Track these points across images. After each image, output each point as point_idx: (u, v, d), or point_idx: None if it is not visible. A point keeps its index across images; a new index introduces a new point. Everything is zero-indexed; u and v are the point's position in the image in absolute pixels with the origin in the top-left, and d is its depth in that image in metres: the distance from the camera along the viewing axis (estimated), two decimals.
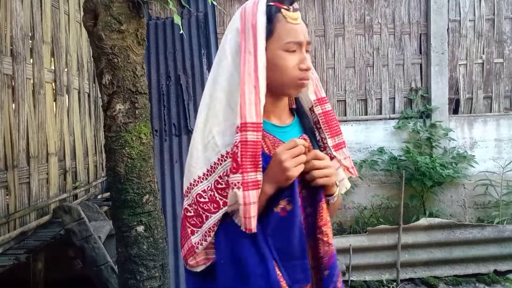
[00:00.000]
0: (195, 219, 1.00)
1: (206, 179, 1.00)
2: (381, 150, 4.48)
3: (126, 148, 1.75)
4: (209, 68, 3.73)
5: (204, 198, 0.99)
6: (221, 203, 0.97)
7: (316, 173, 0.99)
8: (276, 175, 0.95)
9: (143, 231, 1.80)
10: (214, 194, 0.98)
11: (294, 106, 1.14)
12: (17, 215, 2.34)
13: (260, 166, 0.95)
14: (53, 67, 2.92)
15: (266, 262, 0.93)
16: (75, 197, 3.18)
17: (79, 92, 3.40)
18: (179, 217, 3.20)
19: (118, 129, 1.75)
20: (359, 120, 4.59)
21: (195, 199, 1.00)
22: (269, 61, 0.98)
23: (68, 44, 3.21)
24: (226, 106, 0.98)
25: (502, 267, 3.57)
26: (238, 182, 0.92)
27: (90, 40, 1.77)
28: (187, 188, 1.03)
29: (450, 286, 3.45)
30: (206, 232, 0.98)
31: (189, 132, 3.49)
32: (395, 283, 3.47)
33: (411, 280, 3.55)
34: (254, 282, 0.92)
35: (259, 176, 0.95)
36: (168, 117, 3.55)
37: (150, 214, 1.82)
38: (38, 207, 2.59)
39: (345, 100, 4.65)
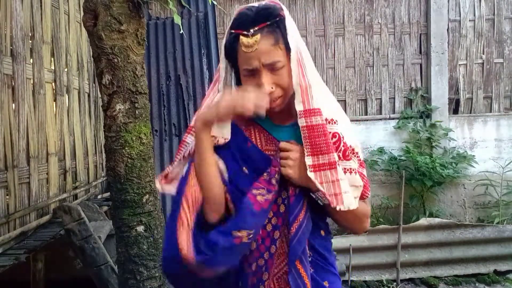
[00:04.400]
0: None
1: None
2: (381, 150, 4.47)
3: (126, 148, 1.75)
4: (209, 68, 3.74)
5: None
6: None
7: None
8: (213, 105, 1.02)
9: (143, 231, 1.80)
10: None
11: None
12: (17, 215, 2.34)
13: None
14: (53, 67, 2.92)
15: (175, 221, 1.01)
16: (75, 197, 3.18)
17: (79, 92, 3.40)
18: None
19: (118, 129, 1.75)
20: (359, 120, 4.58)
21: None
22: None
23: (68, 44, 3.21)
24: None
25: (502, 267, 3.57)
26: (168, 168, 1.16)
27: (90, 40, 1.78)
28: None
29: (450, 286, 3.45)
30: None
31: None
32: (395, 283, 3.47)
33: (411, 280, 3.55)
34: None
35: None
36: (168, 117, 3.55)
37: (150, 214, 1.83)
38: (38, 207, 2.59)
39: (345, 100, 4.64)
